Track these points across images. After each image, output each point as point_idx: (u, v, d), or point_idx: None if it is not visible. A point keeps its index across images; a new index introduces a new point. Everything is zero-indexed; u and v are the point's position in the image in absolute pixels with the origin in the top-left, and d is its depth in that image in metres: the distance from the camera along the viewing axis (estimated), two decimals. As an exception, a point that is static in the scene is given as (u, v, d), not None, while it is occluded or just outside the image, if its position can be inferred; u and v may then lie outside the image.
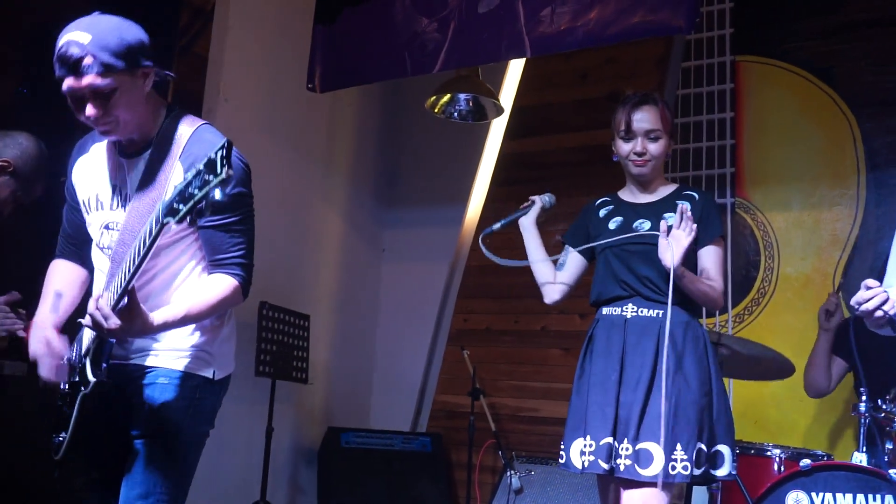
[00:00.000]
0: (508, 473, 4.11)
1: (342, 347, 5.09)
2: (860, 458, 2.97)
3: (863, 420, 3.03)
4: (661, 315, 2.49)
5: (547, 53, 3.91)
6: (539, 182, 5.01)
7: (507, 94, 5.18)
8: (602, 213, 2.72)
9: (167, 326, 2.01)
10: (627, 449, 2.41)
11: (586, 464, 2.48)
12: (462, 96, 4.32)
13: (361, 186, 5.34)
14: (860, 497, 2.81)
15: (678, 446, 2.38)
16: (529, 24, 3.73)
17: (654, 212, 2.61)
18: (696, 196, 2.65)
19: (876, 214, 4.18)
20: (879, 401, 3.01)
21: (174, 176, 2.05)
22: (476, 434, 4.49)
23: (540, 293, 2.88)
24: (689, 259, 2.54)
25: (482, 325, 5.08)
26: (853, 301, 2.23)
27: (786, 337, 4.16)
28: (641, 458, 2.39)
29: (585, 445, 2.48)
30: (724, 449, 2.50)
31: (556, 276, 2.82)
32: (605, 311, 2.63)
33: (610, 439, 2.44)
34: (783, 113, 4.50)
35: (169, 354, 2.13)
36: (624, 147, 2.65)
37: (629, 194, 2.74)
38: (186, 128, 2.13)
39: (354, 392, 5.19)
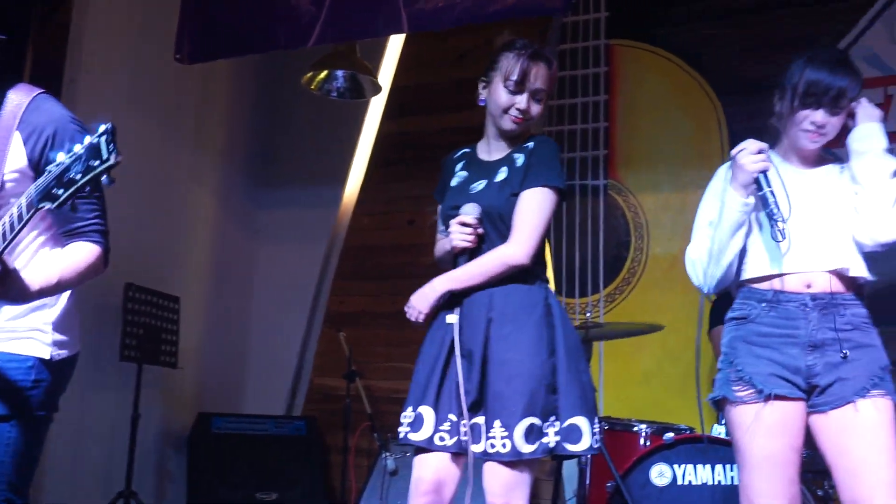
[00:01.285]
0: (384, 455, 4.07)
1: (214, 330, 4.94)
2: (719, 431, 3.08)
3: (723, 394, 3.13)
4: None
5: (424, 30, 3.88)
6: (418, 163, 5.02)
7: (386, 73, 5.12)
8: (458, 167, 2.53)
9: (43, 293, 1.92)
10: (465, 424, 2.24)
11: (401, 434, 2.32)
12: (339, 73, 4.24)
13: (235, 165, 5.19)
14: (718, 467, 2.92)
15: (496, 423, 2.21)
16: (407, -1, 3.68)
17: (492, 170, 2.42)
18: (532, 145, 2.41)
19: (739, 196, 4.33)
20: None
21: (13, 148, 1.94)
22: (352, 417, 4.44)
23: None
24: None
25: (359, 307, 5.02)
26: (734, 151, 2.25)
27: (655, 316, 4.25)
28: (474, 433, 2.25)
29: (405, 416, 2.33)
30: (578, 421, 2.26)
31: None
32: None
33: (426, 409, 2.29)
34: (654, 97, 4.61)
35: (1, 336, 2.00)
36: (506, 98, 2.37)
37: (484, 148, 2.50)
38: (21, 96, 1.99)
39: (227, 376, 5.05)
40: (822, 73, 2.23)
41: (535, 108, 2.40)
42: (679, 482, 2.95)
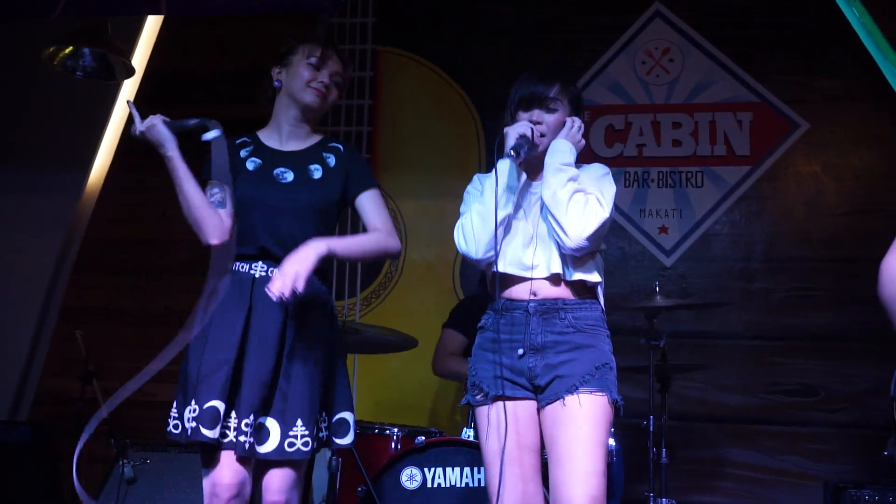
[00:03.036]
0: (121, 462, 3.82)
1: (-75, 327, 4.40)
2: (468, 434, 3.17)
3: (473, 398, 3.23)
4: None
5: (183, 14, 3.70)
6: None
7: (141, 56, 4.82)
8: (242, 153, 2.50)
9: None
10: (249, 426, 2.24)
11: (189, 431, 2.23)
12: (87, 51, 3.91)
13: (-40, 142, 4.66)
14: (466, 469, 3.01)
15: (298, 422, 2.27)
16: (168, -20, 3.47)
17: (298, 162, 2.47)
18: (342, 148, 2.54)
19: (492, 208, 4.51)
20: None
21: None
22: (87, 421, 4.11)
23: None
24: (330, 215, 2.45)
25: (100, 303, 4.68)
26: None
27: (410, 320, 4.34)
28: (262, 434, 2.27)
29: (190, 410, 2.24)
30: (348, 416, 2.43)
31: (219, 213, 2.40)
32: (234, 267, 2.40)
33: (217, 403, 2.22)
34: (417, 105, 4.70)
35: None
36: (309, 73, 2.47)
37: (273, 139, 2.53)
38: None
39: (-61, 378, 4.51)
40: (531, 82, 2.44)
41: (334, 92, 2.53)
42: (429, 485, 3.00)
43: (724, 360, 4.22)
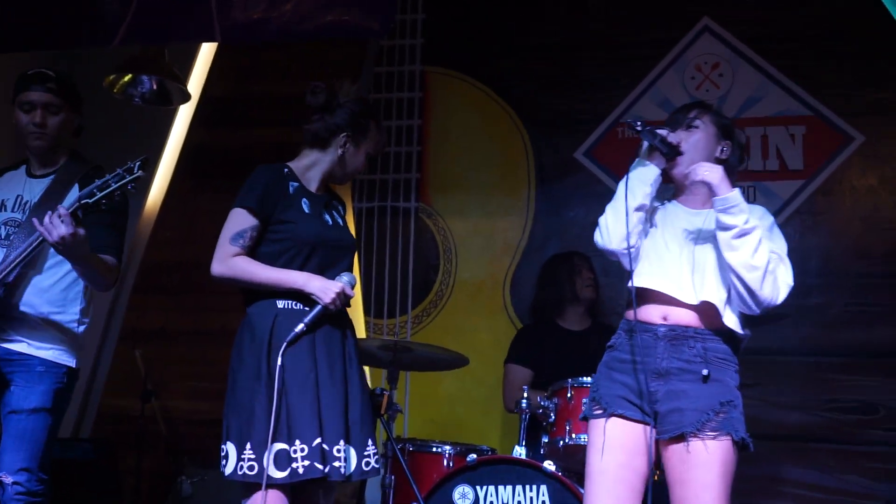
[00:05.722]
0: (180, 479, 3.90)
1: (-7, 346, 4.53)
2: (520, 452, 3.17)
3: (523, 416, 3.24)
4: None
5: (238, 42, 3.78)
6: (226, 177, 4.85)
7: (197, 81, 4.94)
8: (292, 188, 2.63)
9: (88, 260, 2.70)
10: (341, 451, 2.42)
11: (301, 470, 2.36)
12: (145, 78, 4.03)
13: (24, 168, 4.80)
14: (518, 488, 3.00)
15: (369, 442, 2.49)
16: (221, 7, 3.54)
17: (326, 206, 2.68)
18: (337, 205, 2.78)
19: (543, 224, 4.52)
20: (539, 398, 3.22)
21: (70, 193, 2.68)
22: (147, 439, 4.22)
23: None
24: None
25: (157, 324, 4.78)
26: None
27: (460, 338, 4.35)
28: (349, 458, 2.46)
29: (295, 451, 2.38)
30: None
31: None
32: (279, 304, 2.53)
33: (319, 440, 2.41)
34: (466, 125, 4.73)
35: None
36: (361, 164, 2.72)
37: (311, 182, 2.70)
38: (83, 164, 2.88)
39: (6, 396, 4.64)
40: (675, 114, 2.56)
41: None
42: (481, 503, 3.01)
43: (780, 377, 4.16)
